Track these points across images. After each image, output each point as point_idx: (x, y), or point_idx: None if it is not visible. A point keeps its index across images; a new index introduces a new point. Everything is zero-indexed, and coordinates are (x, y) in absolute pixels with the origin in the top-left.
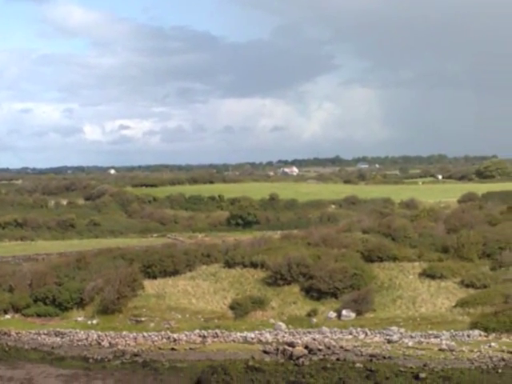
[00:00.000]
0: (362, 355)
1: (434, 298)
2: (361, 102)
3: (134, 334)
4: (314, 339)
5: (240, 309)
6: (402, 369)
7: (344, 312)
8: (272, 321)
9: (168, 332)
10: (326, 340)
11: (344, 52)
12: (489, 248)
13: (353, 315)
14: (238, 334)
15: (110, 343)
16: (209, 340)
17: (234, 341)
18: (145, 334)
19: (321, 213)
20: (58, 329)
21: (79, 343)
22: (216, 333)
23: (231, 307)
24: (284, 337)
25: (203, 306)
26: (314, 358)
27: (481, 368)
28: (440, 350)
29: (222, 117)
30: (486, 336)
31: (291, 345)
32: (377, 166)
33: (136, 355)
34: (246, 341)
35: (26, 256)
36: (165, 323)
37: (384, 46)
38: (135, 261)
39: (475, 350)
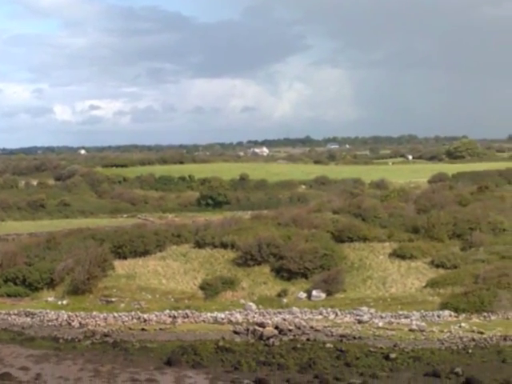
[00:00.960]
0: (332, 335)
1: (404, 278)
2: (331, 83)
3: (105, 315)
4: (285, 319)
5: (210, 289)
6: (372, 349)
7: (314, 292)
8: (242, 301)
9: (138, 312)
10: (297, 320)
11: (315, 32)
12: (459, 228)
13: (323, 295)
14: (209, 314)
15: (80, 323)
16: (179, 320)
17: (204, 321)
18: (115, 314)
19: (291, 193)
20: (28, 309)
21: (49, 323)
22: (186, 313)
23: (201, 288)
24: (254, 317)
25: (173, 286)
26: (285, 338)
27: (451, 348)
28: (410, 330)
29: (193, 97)
30: (456, 316)
31: (261, 325)
32: (347, 146)
33: (106, 335)
34: (216, 321)
35: None
36: (135, 304)
37: (355, 27)
38: (105, 241)
39: (445, 331)
